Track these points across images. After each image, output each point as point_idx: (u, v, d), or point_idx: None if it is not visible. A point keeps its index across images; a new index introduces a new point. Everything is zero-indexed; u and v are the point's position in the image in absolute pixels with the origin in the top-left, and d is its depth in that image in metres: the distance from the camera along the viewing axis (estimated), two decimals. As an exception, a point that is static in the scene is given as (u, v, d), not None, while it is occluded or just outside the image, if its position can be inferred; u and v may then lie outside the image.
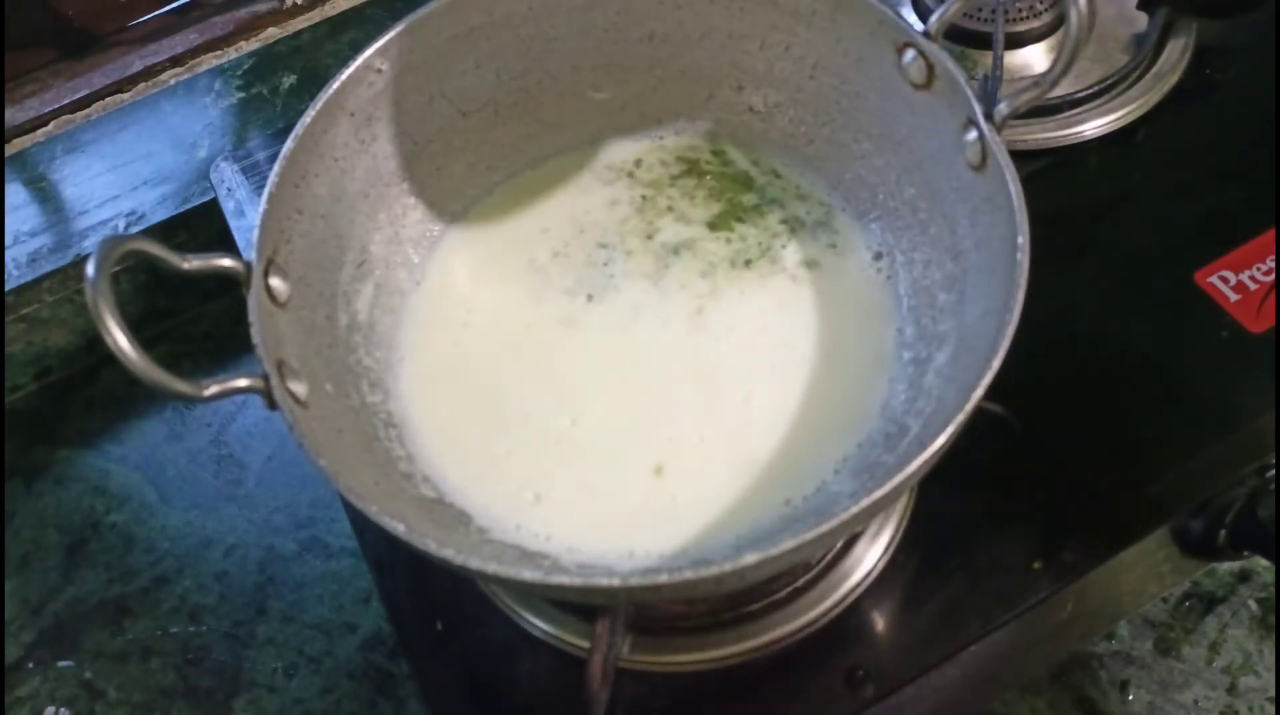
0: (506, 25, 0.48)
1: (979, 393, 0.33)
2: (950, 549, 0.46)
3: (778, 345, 0.46)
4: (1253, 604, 0.55)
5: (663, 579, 0.31)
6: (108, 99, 0.75)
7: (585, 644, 0.44)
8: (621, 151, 0.54)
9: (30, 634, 0.57)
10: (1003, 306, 0.35)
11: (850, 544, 0.47)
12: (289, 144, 0.42)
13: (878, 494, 0.32)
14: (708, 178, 0.52)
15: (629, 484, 0.43)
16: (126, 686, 0.54)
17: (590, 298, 0.49)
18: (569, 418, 0.45)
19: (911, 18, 0.62)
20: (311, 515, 0.58)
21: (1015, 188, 0.37)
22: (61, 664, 0.55)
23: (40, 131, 0.74)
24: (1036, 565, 0.45)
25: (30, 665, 0.55)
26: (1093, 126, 0.57)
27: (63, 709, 0.54)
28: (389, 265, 0.49)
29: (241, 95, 0.72)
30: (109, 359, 0.34)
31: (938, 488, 0.45)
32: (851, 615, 0.45)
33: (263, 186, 0.41)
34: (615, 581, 0.32)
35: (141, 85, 0.75)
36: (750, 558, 0.31)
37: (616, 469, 0.44)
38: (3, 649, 0.56)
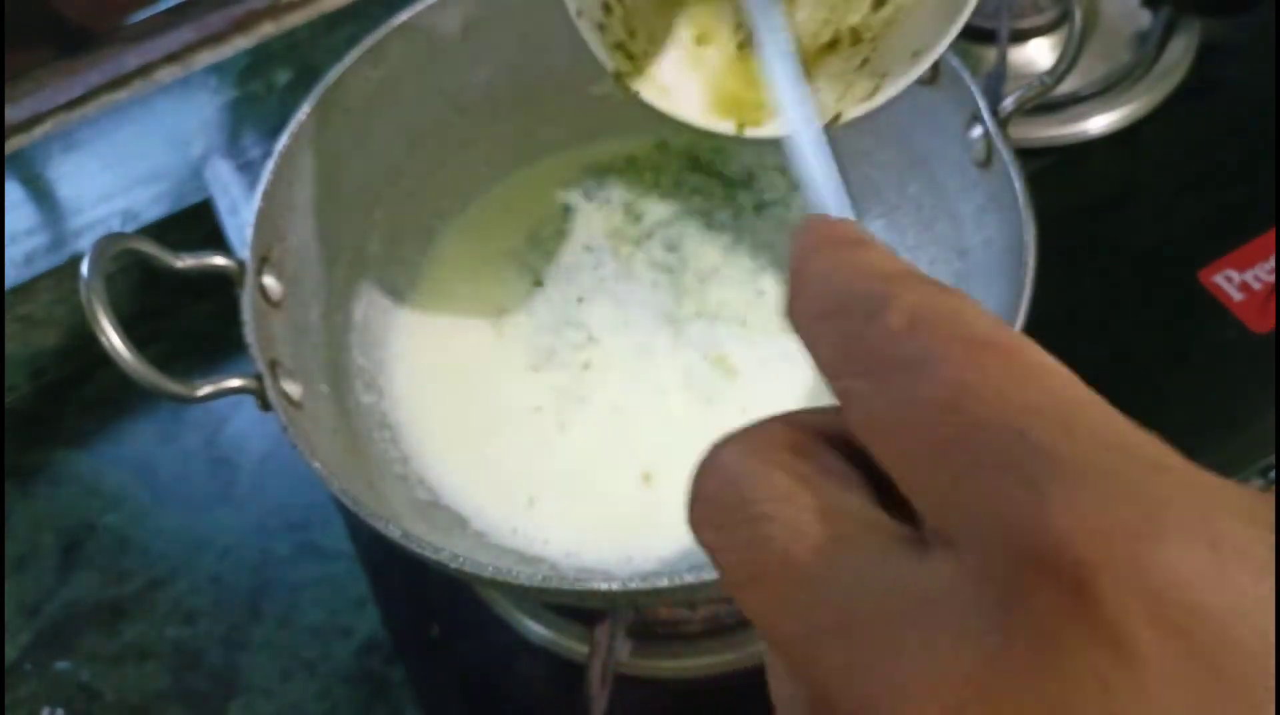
0: (505, 18, 0.47)
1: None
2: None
3: (775, 353, 0.46)
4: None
5: (662, 583, 0.31)
6: (104, 97, 0.74)
7: (583, 649, 0.43)
8: (618, 149, 0.53)
9: (27, 635, 0.56)
10: (1010, 305, 0.34)
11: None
12: (284, 140, 0.42)
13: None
14: (707, 176, 0.52)
15: (618, 490, 0.43)
16: (123, 689, 0.54)
17: (581, 300, 0.49)
18: (557, 422, 0.45)
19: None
20: (306, 518, 0.57)
21: (1021, 185, 0.36)
22: (58, 666, 0.55)
23: (37, 130, 0.73)
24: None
25: (27, 667, 0.55)
26: (1097, 124, 0.57)
27: (59, 710, 0.53)
28: (384, 264, 0.49)
29: (237, 92, 0.71)
30: (103, 360, 0.33)
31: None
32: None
33: (257, 184, 0.41)
34: (614, 586, 0.31)
35: (137, 83, 0.75)
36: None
37: (604, 476, 0.43)
38: (2, 650, 0.56)
